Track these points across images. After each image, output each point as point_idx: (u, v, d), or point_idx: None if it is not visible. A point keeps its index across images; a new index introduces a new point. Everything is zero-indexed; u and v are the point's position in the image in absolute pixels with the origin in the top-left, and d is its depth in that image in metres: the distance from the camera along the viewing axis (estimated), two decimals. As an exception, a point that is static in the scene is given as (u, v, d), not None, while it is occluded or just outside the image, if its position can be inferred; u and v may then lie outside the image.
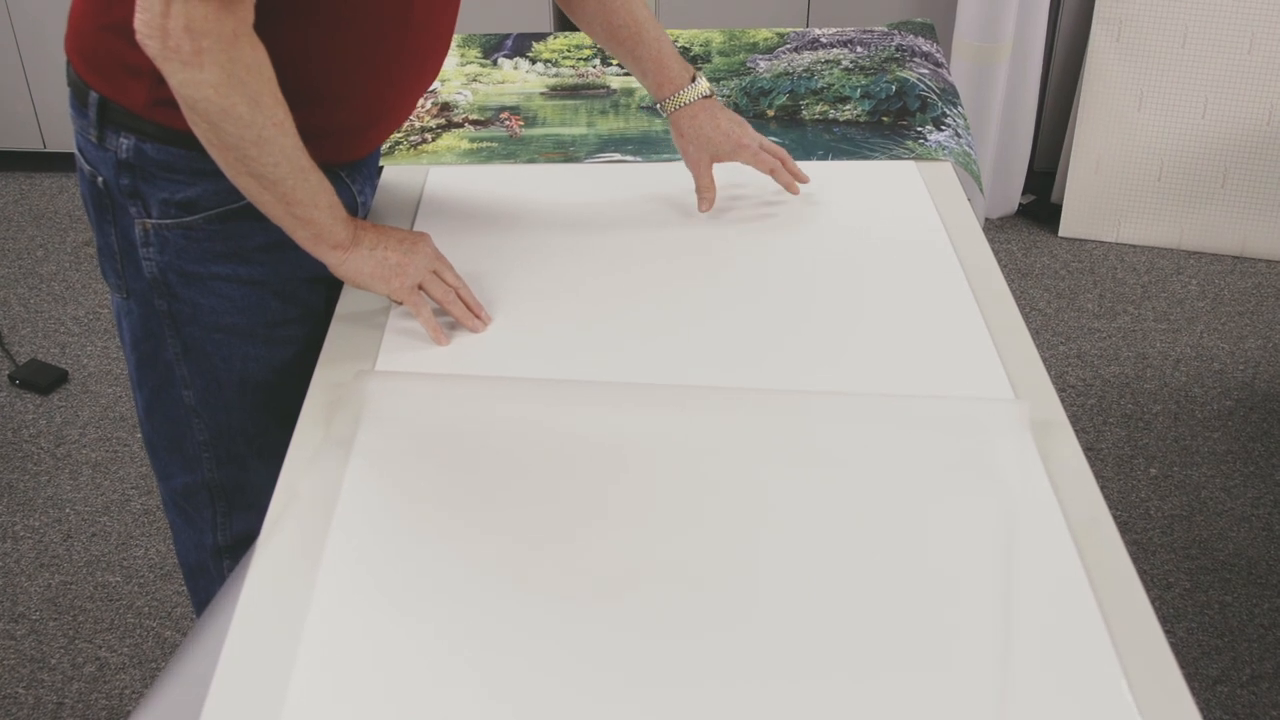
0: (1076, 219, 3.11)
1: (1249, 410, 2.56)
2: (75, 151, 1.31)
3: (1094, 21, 2.92)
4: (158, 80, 1.13)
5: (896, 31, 2.01)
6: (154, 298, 1.31)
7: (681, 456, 1.16)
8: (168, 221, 1.26)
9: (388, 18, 1.22)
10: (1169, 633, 2.05)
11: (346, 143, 1.33)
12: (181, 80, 1.08)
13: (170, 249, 1.28)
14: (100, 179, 1.27)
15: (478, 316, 1.31)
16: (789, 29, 2.04)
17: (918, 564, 1.04)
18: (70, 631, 2.07)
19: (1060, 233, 3.13)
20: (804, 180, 1.54)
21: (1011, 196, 3.20)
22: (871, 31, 2.02)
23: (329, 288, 1.38)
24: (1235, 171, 2.96)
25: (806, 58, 1.93)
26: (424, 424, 1.20)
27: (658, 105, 1.50)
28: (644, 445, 1.17)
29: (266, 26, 1.12)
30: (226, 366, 1.35)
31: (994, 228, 3.18)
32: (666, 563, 1.05)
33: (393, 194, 1.59)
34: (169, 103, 1.14)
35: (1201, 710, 1.92)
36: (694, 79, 1.48)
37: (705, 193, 1.50)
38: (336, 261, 1.25)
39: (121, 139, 1.24)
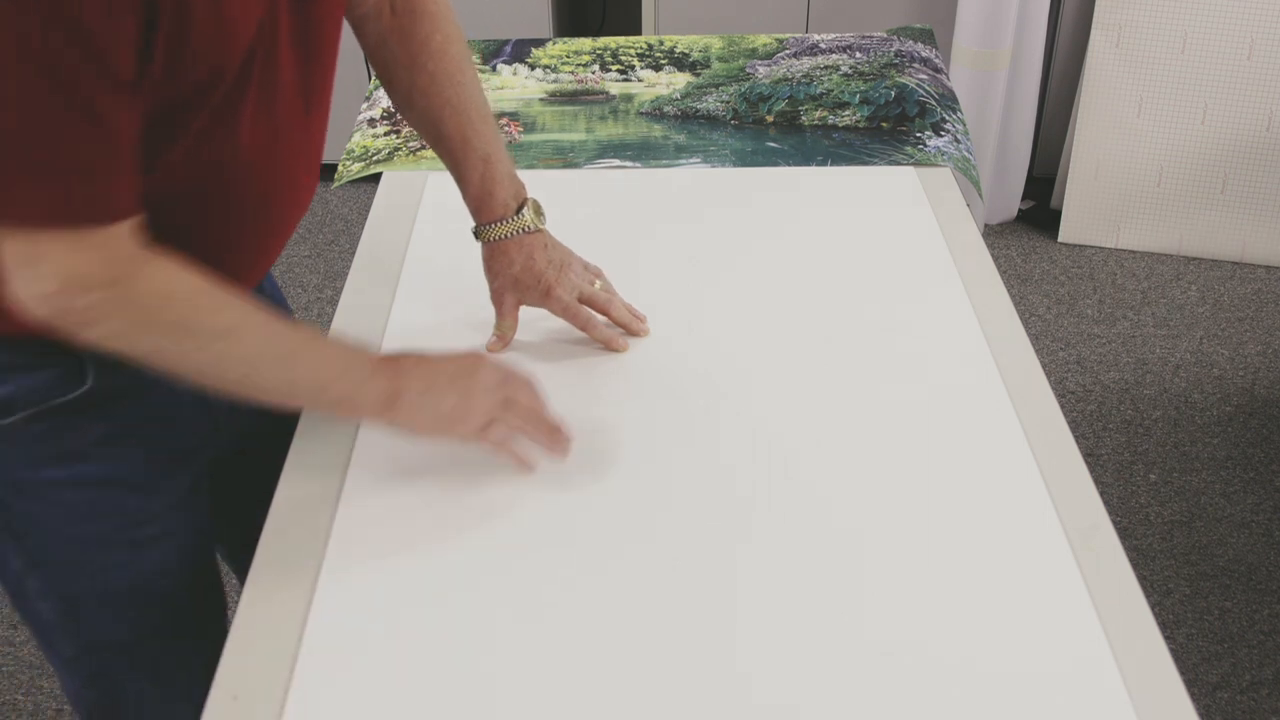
0: (1076, 225, 3.11)
1: (1248, 416, 2.55)
2: None
3: (1093, 27, 2.92)
4: None
5: (895, 37, 2.02)
6: None
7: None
8: None
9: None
10: (1169, 638, 2.05)
11: None
12: (89, 339, 0.92)
13: None
14: None
15: (558, 443, 1.11)
16: (788, 34, 2.04)
17: (914, 570, 1.04)
18: (69, 637, 2.06)
19: (1060, 238, 3.13)
20: (626, 342, 1.31)
21: (1011, 202, 3.20)
22: (870, 37, 2.02)
23: (199, 458, 1.20)
24: (1235, 177, 2.96)
25: (805, 63, 1.94)
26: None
27: (472, 229, 1.29)
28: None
29: None
30: (83, 580, 1.14)
31: (993, 233, 3.18)
32: (671, 568, 1.05)
33: (393, 200, 1.59)
34: None
35: (1201, 716, 1.92)
36: (520, 209, 1.26)
37: (503, 332, 1.30)
38: (384, 424, 1.06)
39: None
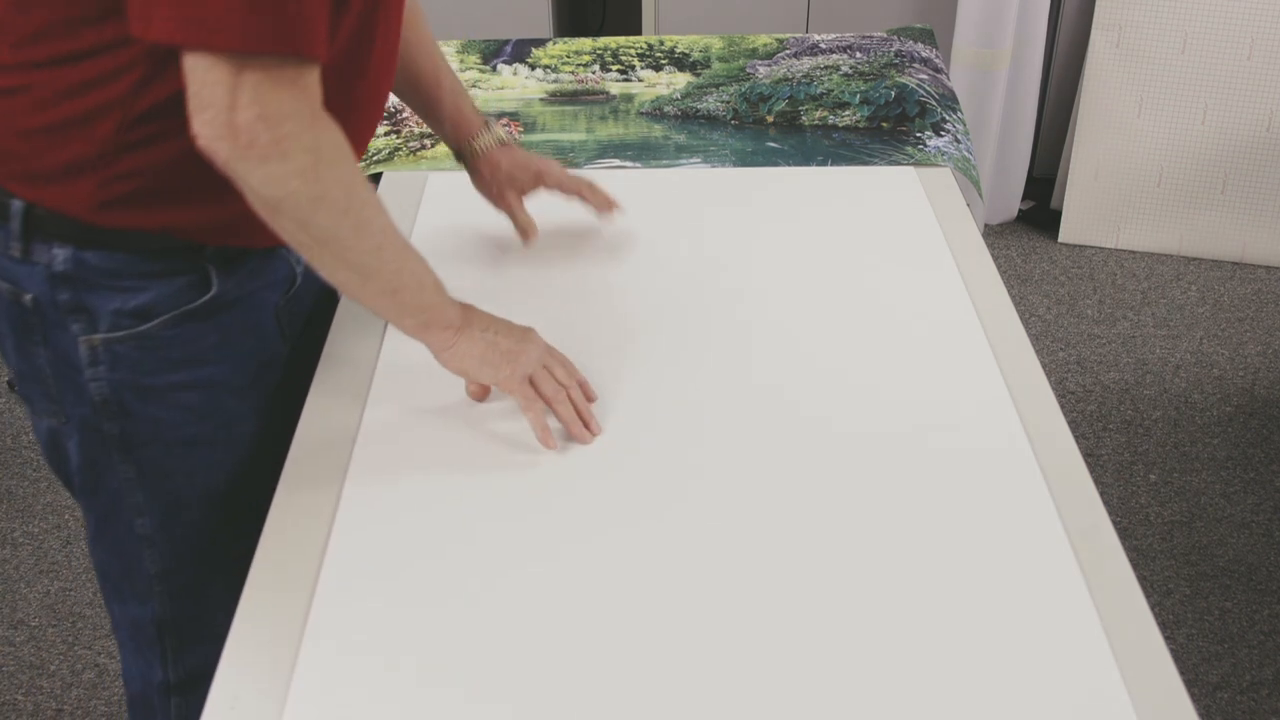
0: (1076, 225, 3.11)
1: (1248, 416, 2.55)
2: None
3: (1094, 27, 2.92)
4: (108, 179, 1.04)
5: (896, 37, 2.02)
6: (101, 422, 1.16)
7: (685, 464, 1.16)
8: (119, 334, 1.12)
9: (341, 82, 1.09)
10: (1169, 639, 2.05)
11: None
12: (263, 177, 0.96)
13: (124, 364, 1.14)
14: (28, 296, 1.11)
15: (587, 426, 1.19)
16: (788, 35, 2.04)
17: (914, 570, 1.04)
18: (69, 638, 2.06)
19: (1060, 239, 3.13)
20: (612, 206, 1.47)
21: (1011, 202, 3.20)
22: (871, 37, 2.02)
23: (275, 368, 1.27)
24: (1235, 177, 2.96)
25: (806, 63, 1.94)
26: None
27: (455, 154, 1.43)
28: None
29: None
30: (190, 482, 1.22)
31: (993, 234, 3.18)
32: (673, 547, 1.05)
33: (393, 200, 1.59)
34: (121, 201, 1.06)
35: (1202, 716, 1.92)
36: (488, 125, 1.42)
37: (526, 227, 1.44)
38: (444, 344, 1.16)
39: (55, 249, 1.08)
